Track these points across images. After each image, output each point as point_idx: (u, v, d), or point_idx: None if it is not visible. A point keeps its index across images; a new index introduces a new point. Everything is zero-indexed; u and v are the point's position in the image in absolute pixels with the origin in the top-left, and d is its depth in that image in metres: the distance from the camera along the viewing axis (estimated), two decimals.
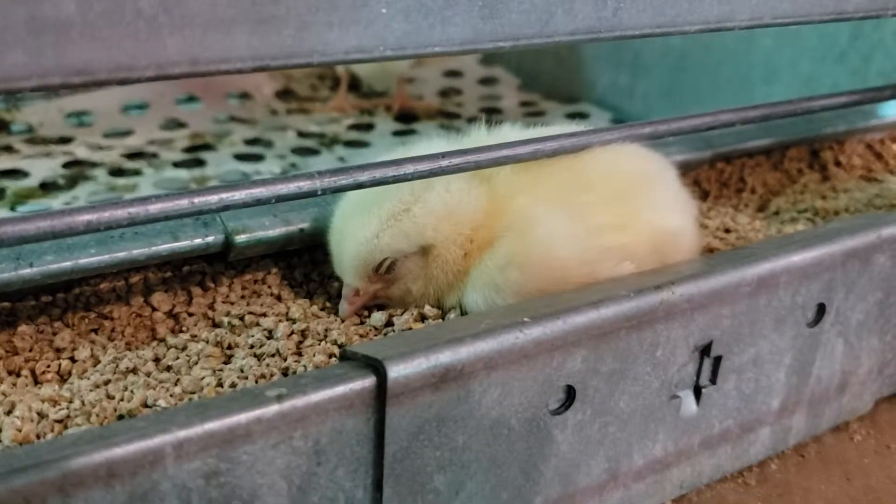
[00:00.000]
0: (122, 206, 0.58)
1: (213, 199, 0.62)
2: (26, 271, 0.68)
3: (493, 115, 1.73)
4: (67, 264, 0.70)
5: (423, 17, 0.57)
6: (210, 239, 0.75)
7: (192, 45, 0.50)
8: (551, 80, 1.86)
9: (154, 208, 0.59)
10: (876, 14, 0.82)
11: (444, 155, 0.71)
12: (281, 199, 0.64)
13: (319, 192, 0.66)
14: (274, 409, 0.54)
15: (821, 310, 0.81)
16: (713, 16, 0.71)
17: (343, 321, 0.76)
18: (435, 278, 0.75)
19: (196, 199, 0.61)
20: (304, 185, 0.65)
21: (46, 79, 0.48)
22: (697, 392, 0.76)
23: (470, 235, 0.74)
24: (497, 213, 0.74)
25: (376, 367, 0.57)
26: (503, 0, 0.60)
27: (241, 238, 0.76)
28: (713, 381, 0.76)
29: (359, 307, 0.77)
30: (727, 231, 0.97)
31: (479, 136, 0.80)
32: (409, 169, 0.70)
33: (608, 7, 0.65)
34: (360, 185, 0.68)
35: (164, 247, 0.73)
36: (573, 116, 1.74)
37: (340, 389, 0.56)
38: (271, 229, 0.78)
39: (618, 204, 0.75)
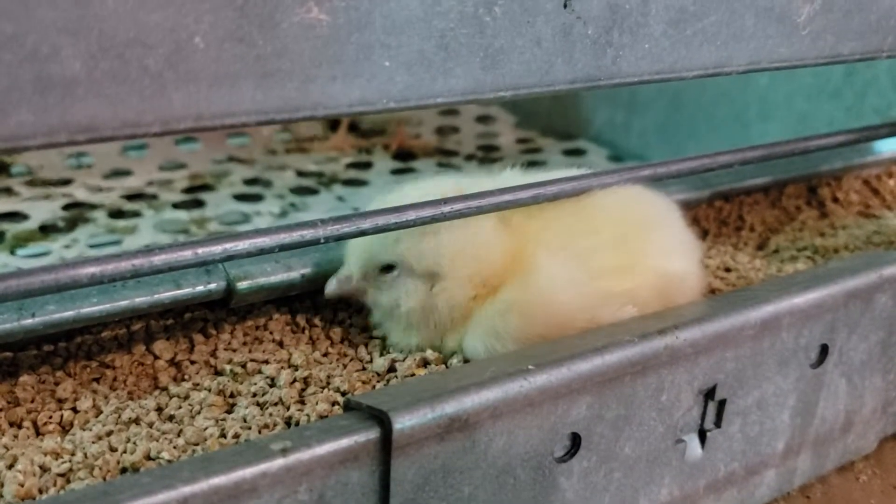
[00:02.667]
0: (125, 259, 0.58)
1: (217, 249, 0.62)
2: (28, 321, 0.68)
3: (490, 152, 1.74)
4: (70, 314, 0.70)
5: (426, 69, 0.58)
6: (212, 286, 0.75)
7: (197, 101, 0.51)
8: (548, 117, 1.87)
9: (158, 260, 0.59)
10: (871, 56, 0.83)
11: (445, 201, 0.72)
12: (284, 248, 0.65)
13: (322, 241, 0.66)
14: (279, 462, 0.54)
15: (824, 351, 0.81)
16: (711, 61, 0.72)
17: (328, 299, 0.77)
18: (438, 310, 0.75)
19: (200, 250, 0.61)
20: (307, 233, 0.66)
21: (52, 137, 0.48)
22: (702, 436, 0.75)
23: (486, 280, 0.74)
24: (509, 261, 0.74)
25: (381, 419, 0.57)
26: (504, 51, 0.61)
27: (243, 285, 0.76)
28: (718, 424, 0.76)
29: (344, 294, 0.77)
30: (727, 270, 0.97)
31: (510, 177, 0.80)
32: (412, 216, 0.70)
33: (607, 55, 0.66)
34: (363, 233, 0.69)
35: (167, 294, 0.73)
36: (570, 153, 1.75)
37: (345, 442, 0.56)
38: (273, 275, 0.78)
39: (622, 248, 0.76)
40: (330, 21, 0.53)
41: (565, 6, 0.62)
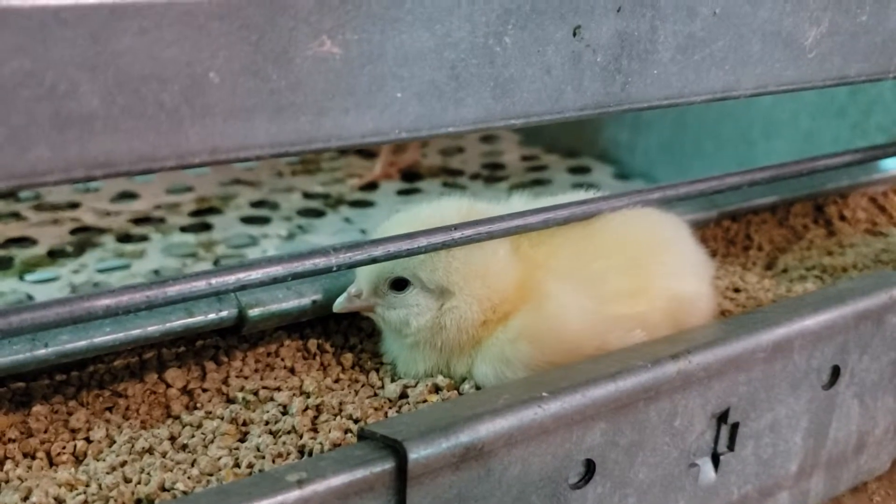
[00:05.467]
0: (140, 290, 0.58)
1: (231, 279, 0.62)
2: (41, 352, 0.68)
3: (495, 171, 1.75)
4: (82, 343, 0.70)
5: (437, 99, 0.58)
6: (224, 314, 0.75)
7: (212, 135, 0.51)
8: (552, 135, 1.88)
9: (172, 291, 0.60)
10: (877, 77, 0.84)
11: (456, 227, 0.72)
12: (297, 276, 0.65)
13: (335, 269, 0.67)
14: (295, 494, 0.54)
15: (835, 372, 0.81)
16: (719, 86, 0.72)
17: (338, 321, 0.78)
18: (446, 329, 0.75)
19: (213, 280, 0.61)
20: (320, 261, 0.66)
21: (70, 173, 0.48)
22: (716, 459, 0.75)
23: (496, 305, 0.74)
24: (519, 288, 0.74)
25: (396, 449, 0.57)
26: (514, 80, 0.61)
27: (254, 312, 0.76)
28: (731, 447, 0.76)
29: (353, 310, 0.77)
30: (737, 290, 0.97)
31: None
32: (423, 242, 0.70)
33: (616, 82, 0.66)
34: (374, 260, 0.69)
35: (179, 323, 0.73)
36: (575, 171, 1.76)
37: (360, 472, 0.56)
38: (284, 302, 0.78)
39: (633, 271, 0.76)
40: (343, 54, 0.53)
41: (574, 35, 0.63)
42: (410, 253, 0.70)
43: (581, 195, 0.81)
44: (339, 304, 0.77)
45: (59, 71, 0.46)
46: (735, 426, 0.75)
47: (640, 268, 0.77)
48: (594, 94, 0.65)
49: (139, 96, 0.48)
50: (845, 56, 0.80)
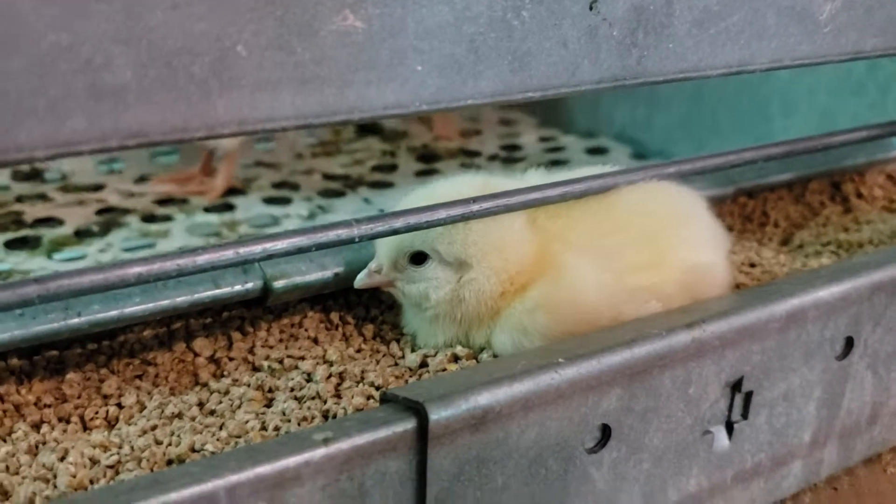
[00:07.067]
0: (170, 259, 0.61)
1: (257, 248, 0.64)
2: (74, 321, 0.71)
3: (513, 152, 1.76)
4: (114, 313, 0.72)
5: (456, 72, 0.59)
6: (249, 285, 0.78)
7: (240, 107, 0.53)
8: (569, 115, 1.88)
9: (201, 259, 0.62)
10: (893, 52, 0.84)
11: (475, 199, 0.74)
12: (321, 247, 0.67)
13: (357, 240, 0.69)
14: (321, 452, 0.56)
15: (849, 343, 0.82)
16: (734, 60, 0.73)
17: (359, 293, 0.81)
18: (465, 301, 0.77)
19: (241, 250, 0.63)
20: (343, 232, 0.68)
21: (105, 142, 0.50)
22: (729, 427, 0.77)
23: (513, 277, 0.76)
24: (536, 260, 0.76)
25: (417, 410, 0.59)
26: (531, 53, 0.62)
27: (279, 284, 0.78)
28: (745, 416, 0.77)
29: (373, 285, 0.79)
30: (752, 265, 0.98)
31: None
32: (442, 214, 0.72)
33: (633, 56, 0.67)
34: (395, 231, 0.71)
35: (206, 294, 0.76)
36: (592, 151, 1.76)
37: (383, 432, 0.58)
38: (308, 274, 0.80)
39: (649, 243, 0.77)
40: (365, 28, 0.55)
41: (591, 8, 0.64)
42: (430, 225, 0.72)
43: (598, 169, 0.83)
44: (360, 280, 0.79)
45: (95, 44, 0.48)
46: (749, 395, 0.76)
47: (656, 240, 0.78)
48: (610, 68, 0.67)
49: (171, 69, 0.50)
50: (861, 30, 0.81)
